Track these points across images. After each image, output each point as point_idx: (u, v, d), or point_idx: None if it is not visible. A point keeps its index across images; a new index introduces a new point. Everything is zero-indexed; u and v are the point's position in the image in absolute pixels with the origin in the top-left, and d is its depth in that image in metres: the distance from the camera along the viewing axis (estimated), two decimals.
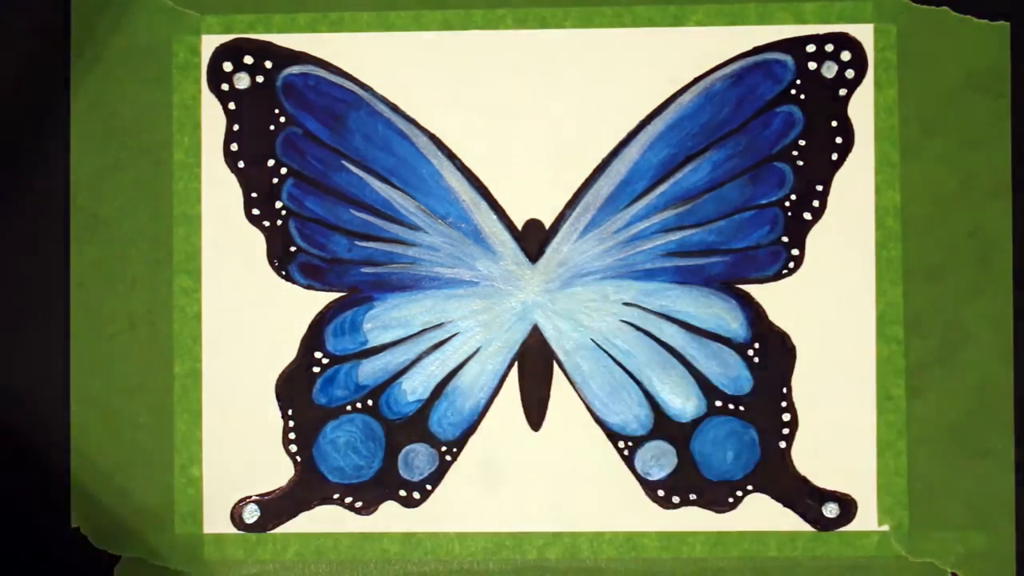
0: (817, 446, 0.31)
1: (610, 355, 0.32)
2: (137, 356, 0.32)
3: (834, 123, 0.31)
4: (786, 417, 0.31)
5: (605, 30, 0.32)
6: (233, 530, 0.32)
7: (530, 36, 0.32)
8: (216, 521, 0.32)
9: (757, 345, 0.31)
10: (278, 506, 0.32)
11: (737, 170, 0.31)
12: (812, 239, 0.31)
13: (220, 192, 0.32)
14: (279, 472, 0.32)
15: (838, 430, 0.31)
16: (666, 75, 0.32)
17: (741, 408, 0.31)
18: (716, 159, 0.31)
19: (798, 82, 0.31)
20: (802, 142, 0.31)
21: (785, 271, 0.32)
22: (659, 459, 0.31)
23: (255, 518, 0.32)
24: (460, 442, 0.32)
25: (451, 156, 0.32)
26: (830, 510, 0.31)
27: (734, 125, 0.31)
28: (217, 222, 0.32)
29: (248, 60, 0.32)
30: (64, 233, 0.32)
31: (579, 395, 0.32)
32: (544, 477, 0.31)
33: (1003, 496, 0.31)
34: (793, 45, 0.31)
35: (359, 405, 0.32)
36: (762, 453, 0.31)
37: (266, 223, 0.32)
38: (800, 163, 0.31)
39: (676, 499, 0.31)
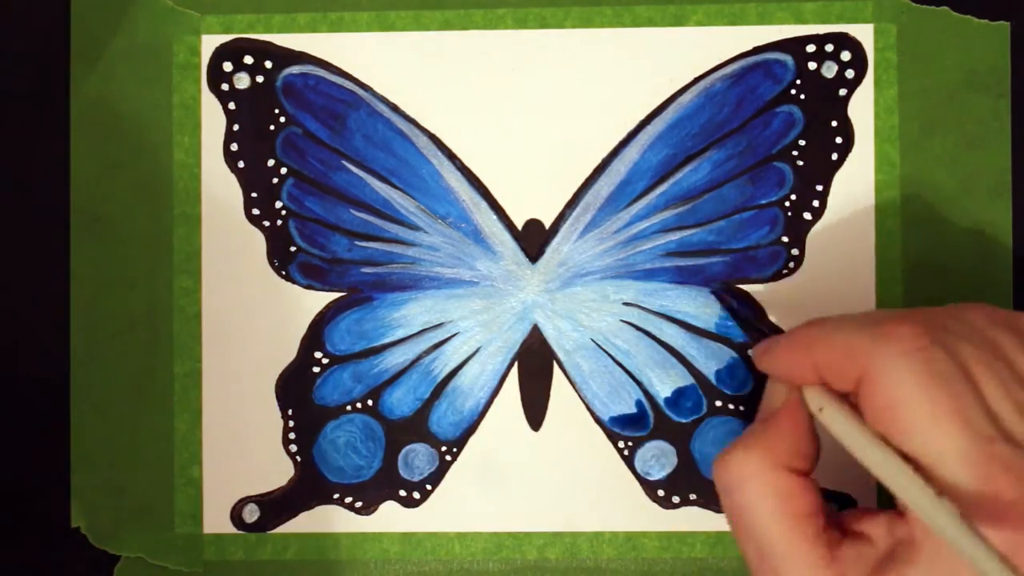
0: None
1: (610, 355, 0.32)
2: (137, 356, 0.32)
3: (834, 123, 0.31)
4: None
5: (605, 30, 0.32)
6: (233, 530, 0.32)
7: (530, 36, 0.32)
8: (216, 521, 0.32)
9: None
10: (278, 506, 0.32)
11: (737, 170, 0.31)
12: (812, 239, 0.31)
13: (220, 192, 0.32)
14: (279, 472, 0.32)
15: None
16: (666, 75, 0.32)
17: (741, 408, 0.31)
18: (716, 159, 0.31)
19: (798, 82, 0.31)
20: (802, 142, 0.31)
21: (785, 271, 0.32)
22: (659, 459, 0.31)
23: (255, 518, 0.32)
24: (460, 442, 0.32)
25: (451, 156, 0.32)
26: None
27: (734, 125, 0.31)
28: (217, 222, 0.32)
29: (248, 60, 0.32)
30: (64, 233, 0.32)
31: (579, 395, 0.32)
32: (544, 477, 0.31)
33: None
34: (793, 45, 0.31)
35: (359, 405, 0.32)
36: None
37: (266, 223, 0.32)
38: (800, 163, 0.31)
39: (676, 499, 0.31)
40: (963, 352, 0.24)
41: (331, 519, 0.32)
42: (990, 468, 0.22)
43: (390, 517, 0.32)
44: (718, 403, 0.32)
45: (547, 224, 0.32)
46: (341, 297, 0.32)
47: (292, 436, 0.32)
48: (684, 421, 0.32)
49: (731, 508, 0.24)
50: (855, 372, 0.24)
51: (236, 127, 0.32)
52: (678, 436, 0.32)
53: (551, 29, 0.32)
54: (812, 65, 0.31)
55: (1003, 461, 0.22)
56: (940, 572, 0.22)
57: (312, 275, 0.32)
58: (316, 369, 0.32)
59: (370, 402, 0.32)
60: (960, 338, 0.24)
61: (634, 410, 0.32)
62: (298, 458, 0.32)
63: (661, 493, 0.31)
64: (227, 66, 0.32)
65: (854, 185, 0.31)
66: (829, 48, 0.31)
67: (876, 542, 0.24)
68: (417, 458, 0.32)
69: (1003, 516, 0.21)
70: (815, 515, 0.24)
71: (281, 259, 0.32)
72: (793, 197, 0.31)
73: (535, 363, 0.32)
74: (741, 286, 0.32)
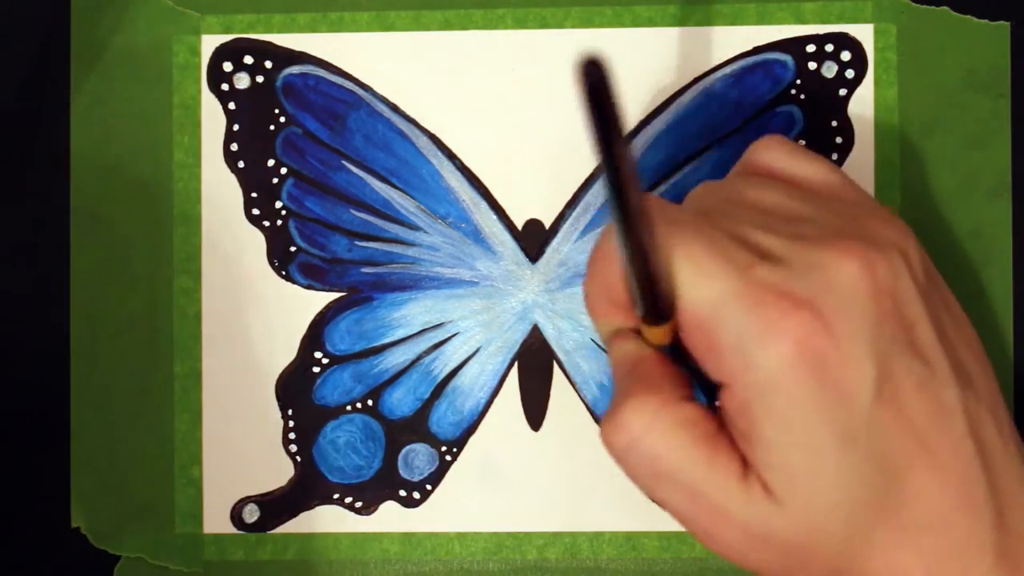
0: None
1: None
2: (137, 356, 0.32)
3: (834, 123, 0.31)
4: None
5: (605, 30, 0.32)
6: (233, 530, 0.32)
7: (530, 36, 0.32)
8: (216, 521, 0.32)
9: None
10: (278, 506, 0.32)
11: None
12: None
13: (220, 192, 0.32)
14: (279, 472, 0.32)
15: None
16: (666, 75, 0.32)
17: None
18: (716, 159, 0.31)
19: (798, 82, 0.31)
20: (802, 142, 0.31)
21: None
22: None
23: (255, 518, 0.32)
24: (460, 442, 0.32)
25: (451, 156, 0.32)
26: None
27: (734, 125, 0.31)
28: (217, 222, 0.32)
29: (248, 60, 0.32)
30: (64, 233, 0.32)
31: (579, 395, 0.32)
32: (544, 477, 0.31)
33: None
34: (793, 45, 0.31)
35: (359, 405, 0.32)
36: None
37: (266, 223, 0.32)
38: None
39: None
40: (702, 201, 0.24)
41: (331, 519, 0.32)
42: (759, 295, 0.22)
43: (390, 517, 0.32)
44: (718, 402, 0.31)
45: (547, 224, 0.32)
46: (341, 297, 0.32)
47: (292, 436, 0.32)
48: None
49: (639, 466, 0.23)
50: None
51: (236, 127, 0.32)
52: None
53: (551, 29, 0.32)
54: (812, 65, 0.31)
55: (768, 284, 0.22)
56: (770, 415, 0.22)
57: (312, 275, 0.32)
58: (316, 369, 0.32)
59: (370, 402, 0.32)
60: (692, 202, 0.25)
61: None
62: (298, 458, 0.32)
63: None
64: (227, 66, 0.32)
65: None
66: (829, 48, 0.31)
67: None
68: (417, 458, 0.32)
69: (784, 333, 0.21)
70: (719, 431, 0.23)
71: (281, 259, 0.32)
72: None
73: (535, 363, 0.32)
74: None
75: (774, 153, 0.26)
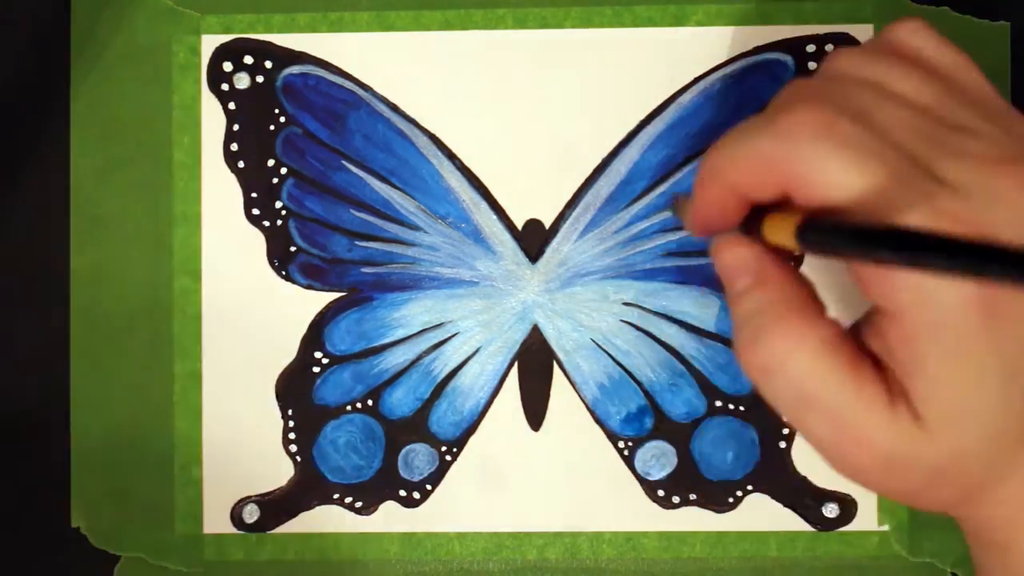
0: None
1: (610, 355, 0.32)
2: (137, 356, 0.32)
3: None
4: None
5: (605, 30, 0.32)
6: (233, 530, 0.32)
7: (530, 36, 0.32)
8: (216, 521, 0.32)
9: None
10: (278, 506, 0.32)
11: None
12: None
13: (220, 192, 0.32)
14: (279, 472, 0.32)
15: None
16: (666, 75, 0.32)
17: (741, 408, 0.31)
18: None
19: None
20: None
21: None
22: (659, 459, 0.31)
23: (255, 518, 0.32)
24: (460, 442, 0.32)
25: (451, 156, 0.32)
26: (830, 510, 0.31)
27: (734, 125, 0.31)
28: (217, 222, 0.32)
29: (248, 60, 0.32)
30: (64, 233, 0.32)
31: (579, 395, 0.32)
32: (544, 477, 0.32)
33: None
34: (793, 45, 0.31)
35: (359, 405, 0.32)
36: (762, 453, 0.31)
37: (266, 223, 0.32)
38: None
39: (676, 499, 0.31)
40: (855, 101, 0.22)
41: (331, 519, 0.32)
42: (942, 227, 0.20)
43: (390, 517, 0.32)
44: (718, 403, 0.32)
45: (547, 224, 0.32)
46: (341, 297, 0.32)
47: (292, 436, 0.32)
48: (684, 421, 0.32)
49: (783, 389, 0.22)
50: (773, 180, 0.22)
51: (236, 127, 0.32)
52: (678, 436, 0.32)
53: (551, 29, 0.32)
54: (812, 65, 0.31)
55: (951, 215, 0.20)
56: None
57: (312, 275, 0.32)
58: (316, 369, 0.32)
59: (370, 402, 0.32)
60: (847, 95, 0.22)
61: (634, 410, 0.32)
62: (298, 458, 0.32)
63: (661, 493, 0.31)
64: (227, 66, 0.32)
65: None
66: (829, 48, 0.31)
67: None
68: (417, 458, 0.32)
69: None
70: (862, 353, 0.22)
71: (281, 259, 0.32)
72: None
73: (535, 363, 0.32)
74: None
75: (921, 36, 0.23)
